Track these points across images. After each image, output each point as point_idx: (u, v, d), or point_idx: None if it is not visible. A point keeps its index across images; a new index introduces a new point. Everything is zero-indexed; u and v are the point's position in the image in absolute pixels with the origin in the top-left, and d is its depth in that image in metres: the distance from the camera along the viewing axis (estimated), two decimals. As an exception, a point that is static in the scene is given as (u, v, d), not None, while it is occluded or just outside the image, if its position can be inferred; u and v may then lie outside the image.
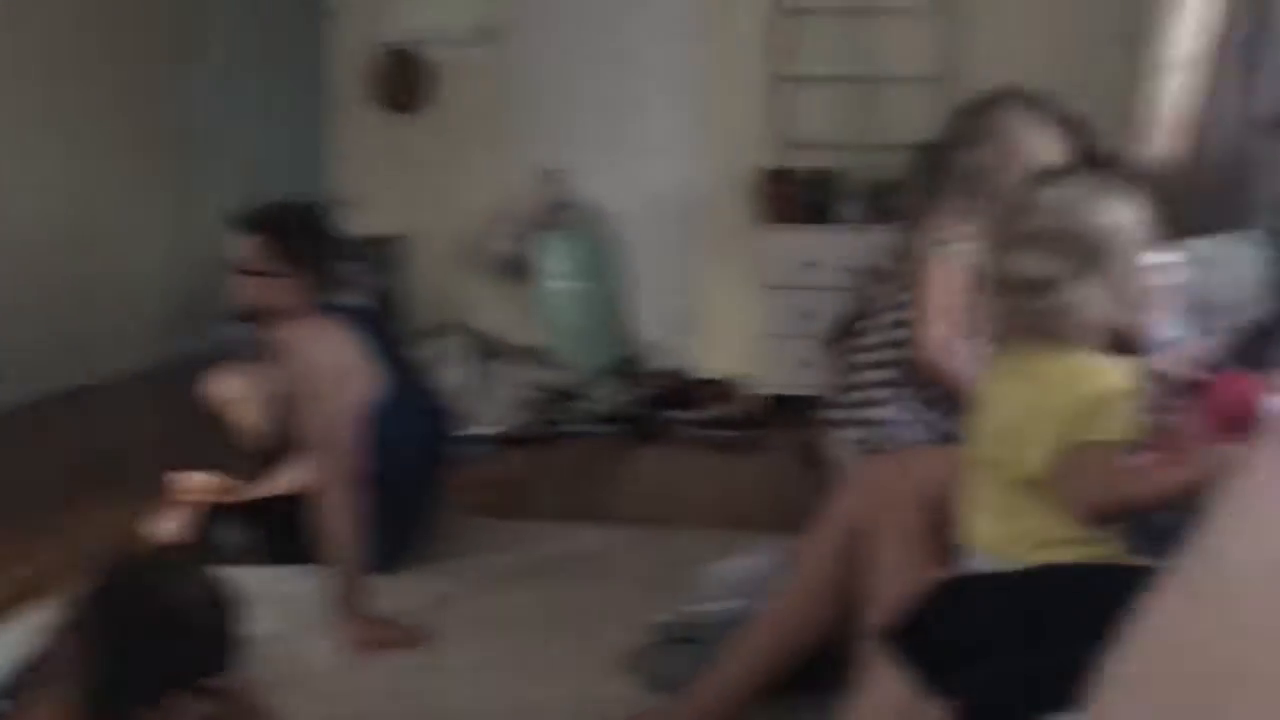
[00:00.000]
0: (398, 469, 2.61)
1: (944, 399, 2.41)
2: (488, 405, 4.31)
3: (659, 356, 4.86)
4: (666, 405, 4.40)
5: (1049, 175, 1.61)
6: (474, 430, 3.98)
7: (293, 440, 2.71)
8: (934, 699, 1.41)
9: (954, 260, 2.39)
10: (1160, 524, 1.46)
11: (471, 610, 2.61)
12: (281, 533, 2.68)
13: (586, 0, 4.94)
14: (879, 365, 2.49)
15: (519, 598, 2.68)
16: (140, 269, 5.28)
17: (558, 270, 4.71)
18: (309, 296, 2.66)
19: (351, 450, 2.47)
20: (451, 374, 4.42)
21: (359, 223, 4.71)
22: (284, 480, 2.79)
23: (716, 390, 4.55)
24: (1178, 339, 1.89)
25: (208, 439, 3.22)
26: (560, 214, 4.80)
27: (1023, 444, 1.52)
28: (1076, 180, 1.56)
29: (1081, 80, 4.02)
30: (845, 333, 3.16)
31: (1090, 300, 1.49)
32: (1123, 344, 1.59)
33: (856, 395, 2.52)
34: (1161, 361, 1.73)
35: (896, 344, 2.48)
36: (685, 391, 4.54)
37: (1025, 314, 1.52)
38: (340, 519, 2.41)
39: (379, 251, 4.83)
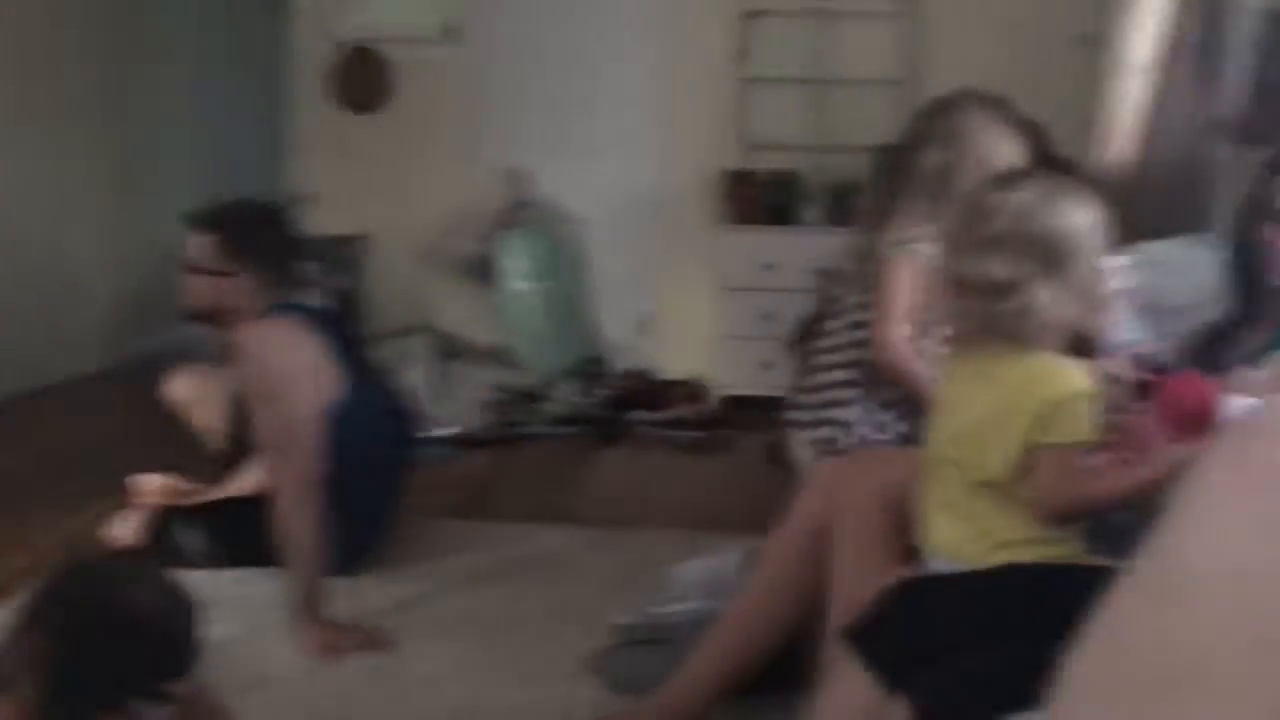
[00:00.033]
0: (358, 471, 2.59)
1: (904, 400, 2.43)
2: (449, 406, 4.29)
3: (621, 357, 4.86)
4: (629, 406, 4.40)
5: (1008, 178, 1.62)
6: (435, 431, 3.96)
7: (251, 442, 2.68)
8: (897, 699, 1.42)
9: (913, 261, 2.41)
10: (1118, 524, 1.48)
11: (434, 613, 2.59)
12: (241, 535, 2.65)
13: (549, 1, 4.93)
14: (840, 366, 2.51)
15: (482, 600, 2.67)
16: (98, 268, 5.21)
17: (519, 271, 4.70)
18: (263, 296, 2.63)
19: (310, 452, 2.45)
20: (412, 375, 4.40)
21: (318, 222, 4.67)
22: (243, 482, 2.77)
23: (679, 391, 4.55)
24: (1134, 341, 1.91)
25: (166, 440, 3.19)
26: (522, 214, 4.79)
27: (985, 445, 1.53)
28: (1035, 183, 1.57)
29: (1043, 84, 4.08)
30: (807, 334, 3.18)
31: (1050, 303, 1.51)
32: (1080, 346, 1.62)
33: (818, 396, 2.53)
34: (1113, 363, 1.76)
35: (857, 345, 2.49)
36: (647, 392, 4.54)
37: (986, 316, 1.54)
38: (299, 521, 2.39)
39: (338, 251, 4.79)
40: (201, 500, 2.84)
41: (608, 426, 4.28)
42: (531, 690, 2.23)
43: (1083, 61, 4.24)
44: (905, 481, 1.70)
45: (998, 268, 1.51)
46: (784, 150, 4.77)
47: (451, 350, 4.82)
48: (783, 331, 3.98)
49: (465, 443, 4.01)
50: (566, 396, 4.45)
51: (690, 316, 4.85)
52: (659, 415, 4.31)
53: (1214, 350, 2.00)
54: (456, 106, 4.98)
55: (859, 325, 2.50)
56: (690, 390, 4.58)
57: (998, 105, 2.48)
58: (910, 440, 2.21)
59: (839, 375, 2.49)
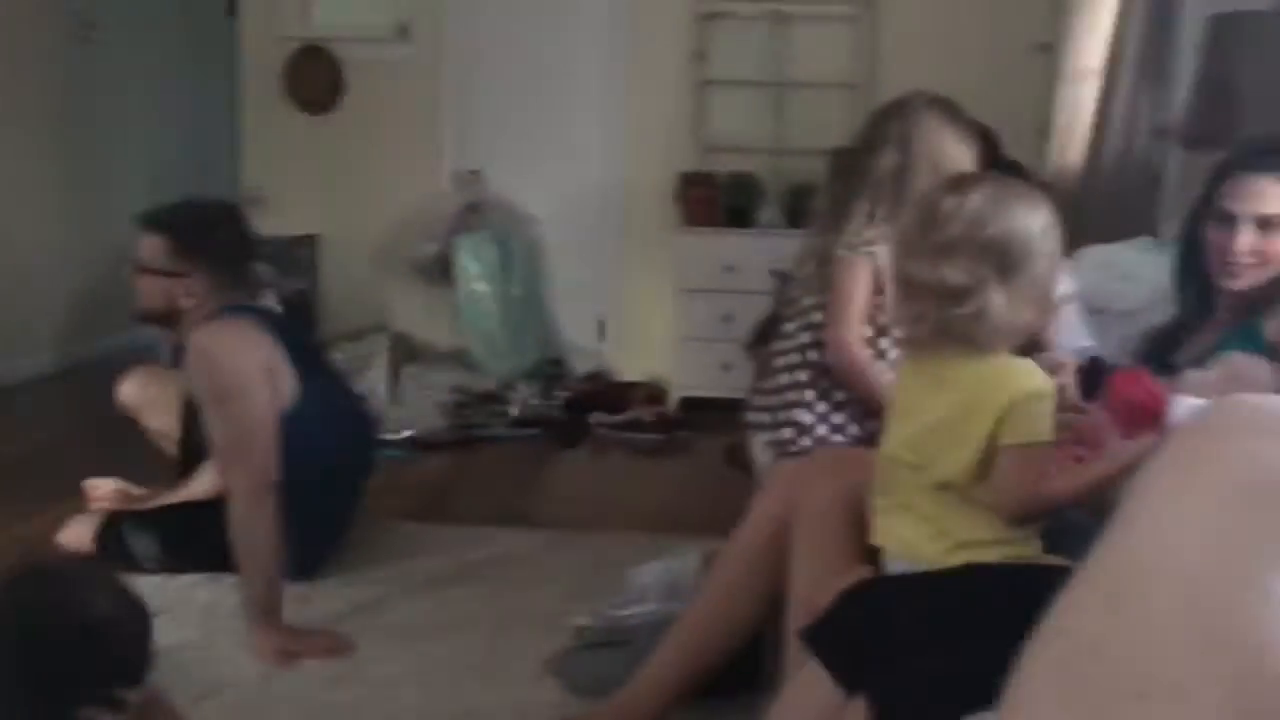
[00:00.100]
0: (315, 474, 2.57)
1: (858, 401, 2.45)
2: (406, 409, 4.27)
3: (580, 359, 4.86)
4: (588, 408, 4.39)
5: (960, 181, 1.64)
6: (392, 434, 3.94)
7: (205, 445, 2.65)
8: (856, 699, 1.43)
9: (867, 263, 2.43)
10: (1075, 523, 1.50)
11: (392, 617, 2.58)
12: (195, 540, 2.62)
13: (504, 1, 4.92)
14: (795, 368, 2.52)
15: (440, 603, 2.65)
16: (50, 269, 5.13)
17: (477, 272, 4.68)
18: (215, 297, 2.60)
19: (266, 455, 2.42)
20: (369, 377, 4.37)
21: (271, 222, 4.63)
22: (198, 486, 2.73)
23: (638, 393, 4.56)
24: (1086, 348, 1.94)
25: (119, 444, 3.15)
26: (478, 216, 4.77)
27: (943, 447, 1.55)
28: (988, 187, 1.58)
29: (999, 90, 4.13)
30: (764, 336, 3.20)
31: (1004, 307, 1.52)
32: (1031, 348, 1.64)
33: (776, 398, 2.55)
34: (1062, 366, 1.78)
35: (812, 347, 2.51)
36: (606, 395, 4.54)
37: (940, 320, 1.55)
38: (255, 525, 2.37)
39: (291, 252, 4.75)
40: (155, 504, 2.80)
41: (567, 429, 4.28)
42: (491, 693, 2.22)
43: (1040, 68, 4.30)
44: (864, 482, 1.72)
45: (952, 273, 1.52)
46: (741, 152, 4.79)
47: (408, 352, 4.79)
48: (741, 333, 4.00)
49: (423, 445, 4.00)
50: (525, 399, 4.44)
51: (649, 318, 4.86)
52: (618, 417, 4.31)
53: (1163, 352, 2.03)
54: (410, 106, 4.96)
55: (814, 327, 2.52)
56: (649, 392, 4.59)
57: (948, 108, 2.50)
58: (867, 441, 2.23)
59: (797, 377, 2.51)
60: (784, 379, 2.53)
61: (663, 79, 4.83)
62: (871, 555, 1.67)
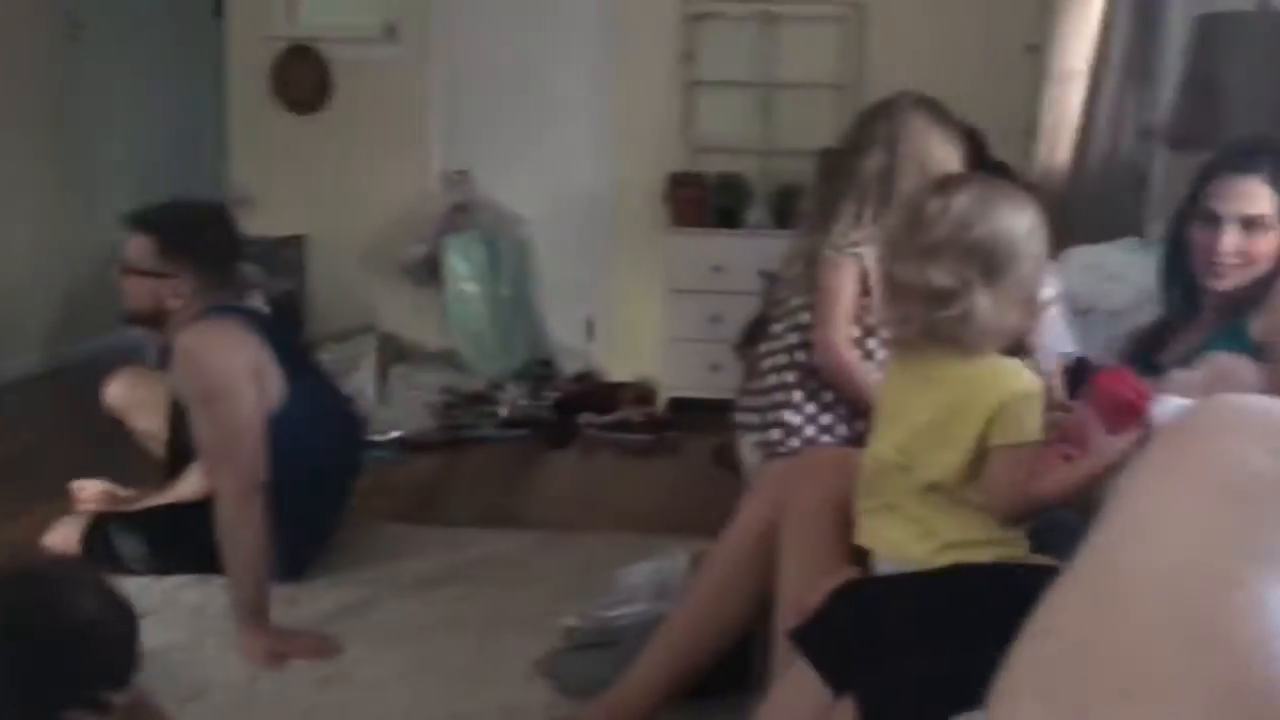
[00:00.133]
0: (303, 475, 2.56)
1: (846, 402, 2.45)
2: (395, 410, 4.26)
3: (569, 360, 4.85)
4: (577, 409, 4.39)
5: (946, 183, 1.64)
6: (380, 435, 3.93)
7: (193, 446, 2.64)
8: (845, 699, 1.44)
9: (852, 265, 2.44)
10: (1063, 523, 1.51)
11: (381, 618, 2.57)
12: (183, 541, 2.61)
13: (492, 1, 4.92)
14: (783, 369, 2.52)
15: (429, 604, 2.65)
16: (37, 270, 5.11)
17: (465, 273, 4.67)
18: (202, 298, 2.60)
19: (253, 456, 2.42)
20: (357, 378, 4.36)
21: (258, 223, 4.62)
22: (185, 487, 2.72)
23: (627, 394, 4.56)
24: (1072, 353, 1.94)
25: (106, 445, 3.13)
26: (466, 216, 4.77)
27: (934, 449, 1.55)
28: (974, 188, 1.58)
29: (988, 90, 4.15)
30: (753, 336, 3.20)
31: (990, 309, 1.53)
32: (1017, 349, 1.64)
33: (764, 399, 2.55)
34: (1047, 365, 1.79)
35: (800, 347, 2.51)
36: (595, 395, 4.54)
37: (926, 322, 1.55)
38: (243, 527, 2.36)
39: (279, 252, 4.74)
40: (142, 505, 2.79)
41: (555, 429, 4.28)
42: (479, 694, 2.22)
43: (1027, 69, 4.31)
44: (852, 483, 1.72)
45: (938, 275, 1.52)
46: (730, 153, 4.79)
47: (397, 353, 4.79)
48: (730, 334, 4.01)
49: (411, 446, 3.99)
50: (514, 399, 4.44)
51: (638, 319, 4.86)
52: (607, 418, 4.31)
53: (1149, 352, 2.04)
54: (398, 107, 4.95)
55: (802, 328, 2.52)
56: (638, 393, 4.59)
57: (935, 108, 2.51)
58: (856, 442, 2.23)
59: (784, 378, 2.51)
60: (771, 380, 2.54)
61: (651, 79, 4.83)
62: (860, 556, 1.67)
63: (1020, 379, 1.54)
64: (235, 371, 2.46)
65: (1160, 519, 0.89)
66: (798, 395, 2.47)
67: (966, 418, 1.52)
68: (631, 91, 4.85)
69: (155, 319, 2.65)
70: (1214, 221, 1.94)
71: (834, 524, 1.74)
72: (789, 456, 2.38)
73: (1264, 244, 1.92)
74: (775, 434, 2.48)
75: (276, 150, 4.99)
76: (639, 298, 4.85)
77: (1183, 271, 2.04)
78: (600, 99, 4.87)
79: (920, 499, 1.57)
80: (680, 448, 4.17)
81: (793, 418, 2.46)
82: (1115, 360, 1.98)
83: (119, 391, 2.99)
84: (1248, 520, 0.87)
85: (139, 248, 2.61)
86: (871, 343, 2.44)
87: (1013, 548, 1.56)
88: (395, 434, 4.01)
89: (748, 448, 2.58)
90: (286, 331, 2.97)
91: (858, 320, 2.45)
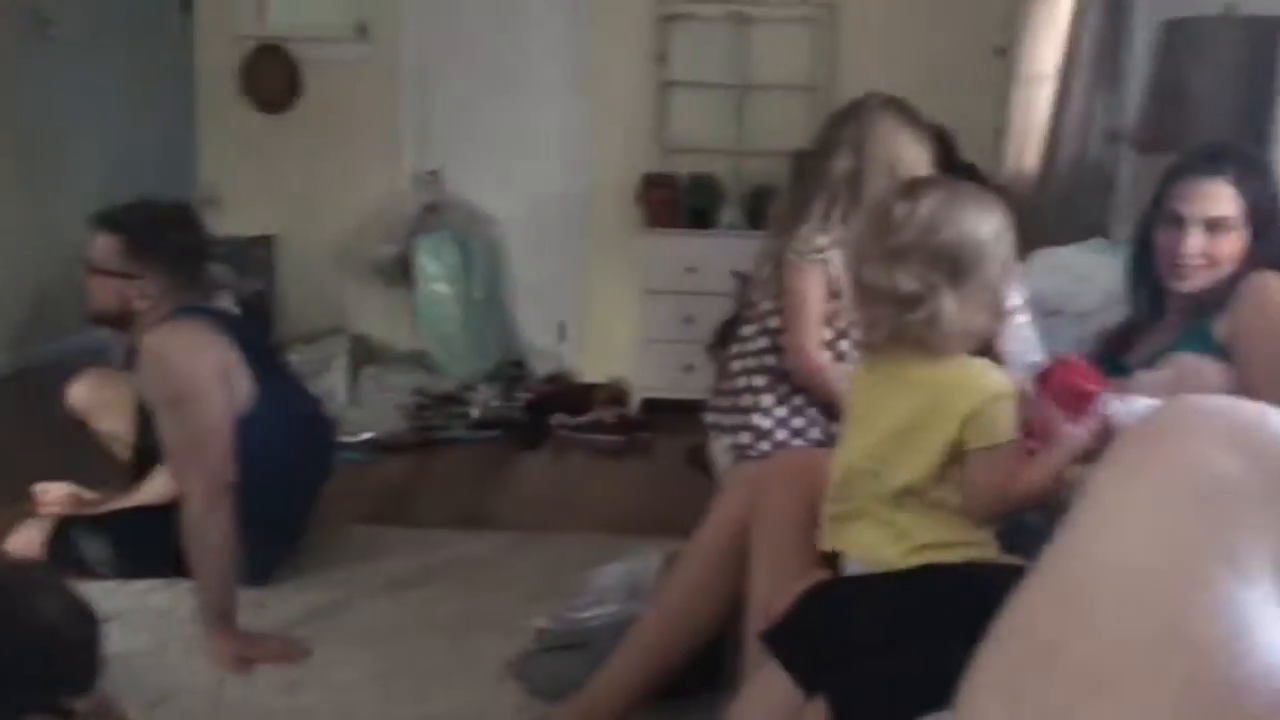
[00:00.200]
0: (271, 477, 2.54)
1: (816, 404, 2.45)
2: (366, 411, 4.24)
3: (541, 361, 4.84)
4: (549, 410, 4.38)
5: (913, 186, 1.64)
6: (351, 437, 3.91)
7: (158, 448, 2.62)
8: (816, 700, 1.44)
9: (817, 269, 2.44)
10: (1032, 524, 1.52)
11: (350, 621, 2.56)
12: (149, 544, 2.58)
13: (464, 1, 4.90)
14: (752, 372, 2.52)
15: (400, 606, 2.64)
16: (1, 269, 5.04)
17: (437, 274, 4.65)
18: (169, 299, 2.57)
19: (221, 458, 2.39)
20: (328, 379, 4.34)
21: (228, 223, 4.58)
22: (151, 490, 2.70)
23: (599, 395, 4.56)
24: (1038, 363, 1.96)
25: (71, 447, 3.10)
26: (437, 216, 4.75)
27: (906, 451, 1.55)
28: (940, 192, 1.59)
29: (958, 93, 4.17)
30: (725, 338, 3.20)
31: (958, 312, 1.53)
32: (984, 351, 1.65)
33: (735, 400, 2.55)
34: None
35: (769, 351, 2.51)
36: (568, 396, 4.53)
37: (895, 325, 1.55)
38: (210, 530, 2.34)
39: (247, 253, 4.70)
40: (107, 508, 2.76)
41: (528, 430, 4.27)
42: (451, 696, 2.21)
43: (996, 72, 4.34)
44: (823, 484, 1.72)
45: (904, 279, 1.53)
46: (703, 154, 4.80)
47: (368, 354, 4.76)
48: (703, 335, 4.01)
49: (383, 448, 3.97)
50: (486, 400, 4.42)
51: (610, 320, 4.86)
52: (579, 419, 4.30)
53: (1116, 353, 2.06)
54: (368, 106, 4.92)
55: (771, 332, 2.52)
56: (611, 394, 4.58)
57: (904, 109, 2.51)
58: (826, 443, 2.24)
59: (753, 381, 2.51)
60: (740, 383, 2.53)
61: (623, 80, 4.83)
62: (830, 558, 1.67)
63: (991, 380, 1.55)
64: (203, 373, 2.44)
65: (1125, 520, 0.89)
66: (767, 399, 2.47)
67: (940, 421, 1.53)
68: (604, 92, 4.84)
69: (122, 320, 2.62)
70: (1178, 223, 1.95)
71: (804, 526, 1.74)
72: (761, 457, 2.38)
73: (1228, 245, 1.94)
74: (745, 437, 2.48)
75: (246, 150, 4.95)
76: (611, 298, 4.85)
77: (1149, 273, 2.06)
78: (572, 99, 4.86)
79: (892, 503, 1.57)
80: (653, 449, 4.17)
81: (762, 421, 2.46)
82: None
83: (82, 393, 2.96)
84: (1213, 522, 0.87)
85: (105, 248, 2.58)
86: (844, 344, 2.45)
87: (984, 549, 1.56)
88: (366, 435, 3.99)
89: (720, 449, 2.58)
90: (256, 332, 2.94)
91: (829, 322, 2.46)
